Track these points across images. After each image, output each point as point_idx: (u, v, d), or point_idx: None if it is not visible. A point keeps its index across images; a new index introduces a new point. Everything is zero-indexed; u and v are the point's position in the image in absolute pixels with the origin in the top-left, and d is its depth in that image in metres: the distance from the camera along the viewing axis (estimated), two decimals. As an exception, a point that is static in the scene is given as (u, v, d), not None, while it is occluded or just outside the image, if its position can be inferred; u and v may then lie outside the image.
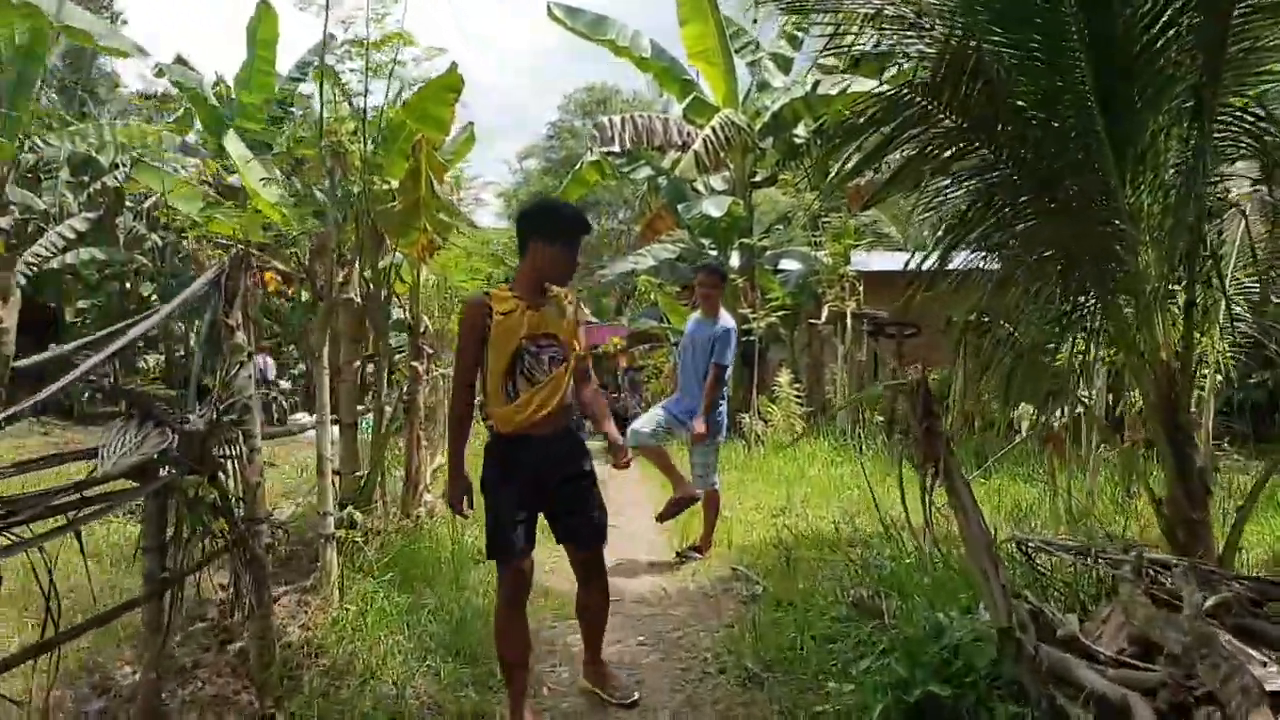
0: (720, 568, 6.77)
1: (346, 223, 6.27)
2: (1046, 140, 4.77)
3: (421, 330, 7.06)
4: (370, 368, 7.04)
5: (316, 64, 6.34)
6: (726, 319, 7.22)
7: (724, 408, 7.35)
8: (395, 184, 6.38)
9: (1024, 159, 4.75)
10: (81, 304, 25.00)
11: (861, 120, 4.92)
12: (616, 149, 15.23)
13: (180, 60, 23.82)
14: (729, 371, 7.24)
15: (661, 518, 6.86)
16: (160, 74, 21.80)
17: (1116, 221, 4.62)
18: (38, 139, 21.31)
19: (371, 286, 6.49)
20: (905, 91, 4.69)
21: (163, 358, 24.40)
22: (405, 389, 7.00)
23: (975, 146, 4.87)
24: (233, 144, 8.03)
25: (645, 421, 7.28)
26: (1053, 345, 5.56)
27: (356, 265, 6.19)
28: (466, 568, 6.15)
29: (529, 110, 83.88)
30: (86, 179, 22.99)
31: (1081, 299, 5.15)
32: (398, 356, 8.25)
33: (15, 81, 17.61)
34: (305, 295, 18.39)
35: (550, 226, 4.13)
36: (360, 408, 6.77)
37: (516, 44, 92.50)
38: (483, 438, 4.33)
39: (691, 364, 7.19)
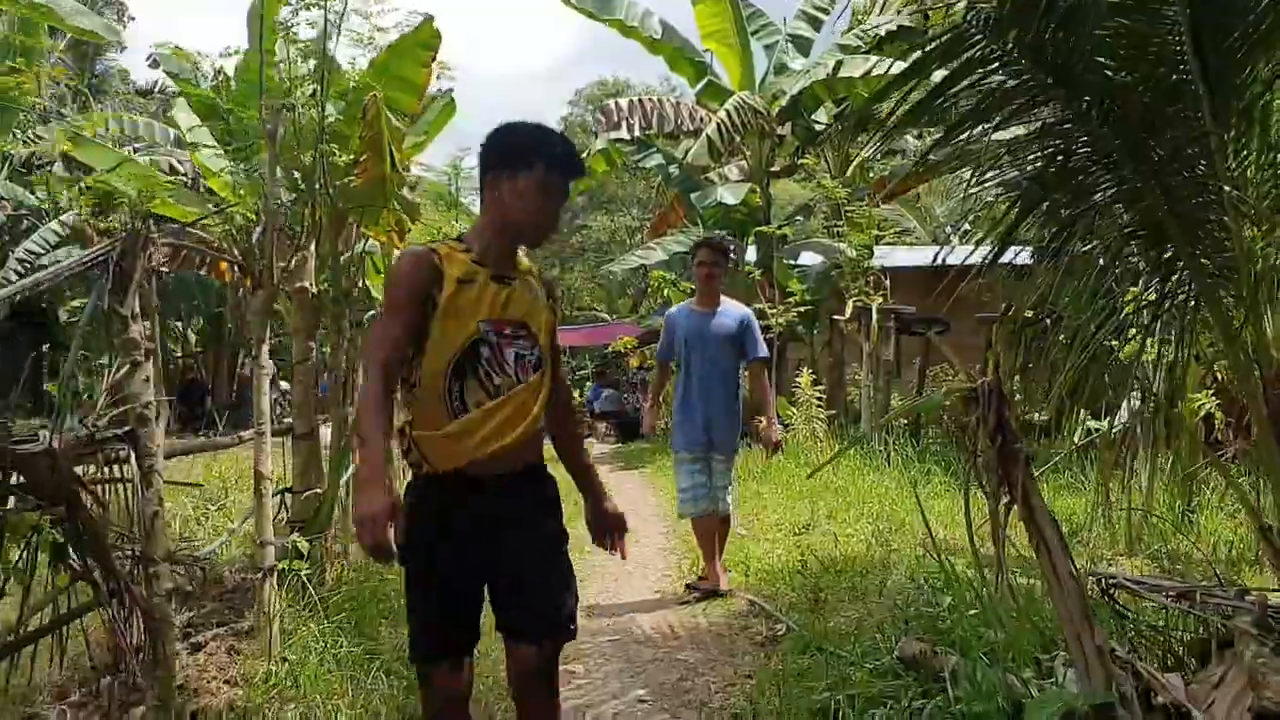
0: (736, 598, 5.86)
1: (298, 201, 5.38)
2: (1133, 91, 3.86)
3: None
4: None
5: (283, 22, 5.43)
6: (736, 305, 6.32)
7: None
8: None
9: (1106, 114, 3.83)
10: (76, 303, 24.24)
11: (909, 65, 4.01)
12: (625, 135, 14.35)
13: (178, 50, 23.03)
14: (741, 370, 6.36)
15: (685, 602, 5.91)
16: (154, 65, 21.03)
17: (1216, 189, 3.74)
18: (31, 133, 20.63)
19: (332, 274, 5.61)
20: (967, 26, 3.78)
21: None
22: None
23: (1047, 97, 3.97)
24: (182, 114, 7.15)
25: (687, 484, 6.06)
26: (1132, 340, 4.68)
27: (312, 249, 5.30)
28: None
29: (547, 117, 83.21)
30: (82, 174, 22.29)
31: (1171, 285, 4.26)
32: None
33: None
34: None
35: (523, 152, 2.68)
36: (322, 416, 5.89)
37: (533, 49, 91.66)
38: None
39: (705, 364, 6.06)
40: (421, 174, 17.10)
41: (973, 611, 3.91)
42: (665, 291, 15.20)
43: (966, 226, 22.14)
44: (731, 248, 6.54)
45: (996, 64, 3.85)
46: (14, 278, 21.80)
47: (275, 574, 4.45)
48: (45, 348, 23.96)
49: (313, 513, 5.22)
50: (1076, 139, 4.12)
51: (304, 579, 4.67)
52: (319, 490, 5.29)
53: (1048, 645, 3.82)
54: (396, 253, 6.23)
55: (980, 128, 4.22)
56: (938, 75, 4.11)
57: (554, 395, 2.88)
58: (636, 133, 14.26)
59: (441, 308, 2.60)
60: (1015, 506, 3.25)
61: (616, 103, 13.94)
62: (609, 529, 3.25)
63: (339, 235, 5.56)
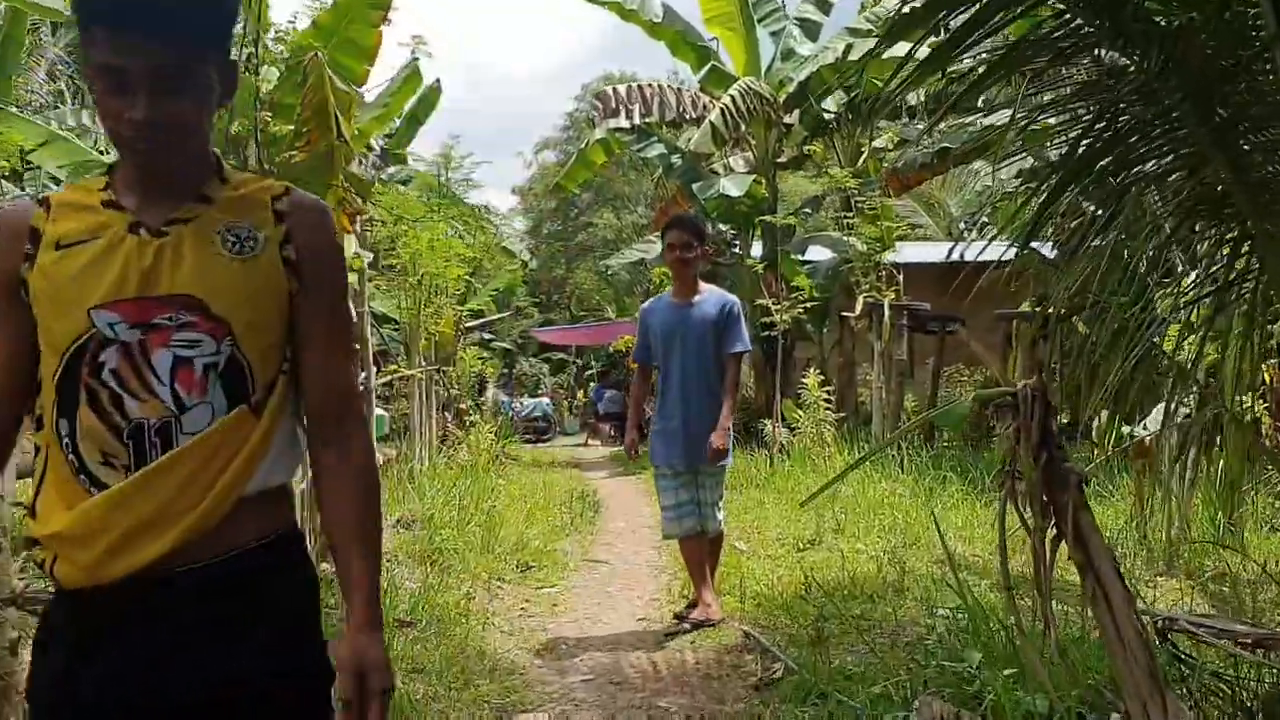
0: (729, 628, 5.17)
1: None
2: (1195, 36, 3.18)
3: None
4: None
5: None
6: (720, 293, 5.48)
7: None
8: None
9: (1164, 64, 3.15)
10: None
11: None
12: (624, 123, 13.66)
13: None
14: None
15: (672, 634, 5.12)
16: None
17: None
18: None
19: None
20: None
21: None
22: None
23: (1091, 44, 3.30)
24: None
25: (669, 502, 5.26)
26: (1191, 334, 4.04)
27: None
28: (389, 639, 4.59)
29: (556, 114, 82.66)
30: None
31: (1239, 269, 3.60)
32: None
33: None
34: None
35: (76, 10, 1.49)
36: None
37: (546, 50, 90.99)
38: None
39: (683, 363, 5.25)
40: (415, 166, 16.50)
41: (1008, 671, 3.21)
42: (667, 288, 14.54)
43: (985, 219, 21.43)
44: (701, 228, 5.61)
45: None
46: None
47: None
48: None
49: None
50: (1126, 95, 3.44)
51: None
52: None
53: (1098, 704, 3.16)
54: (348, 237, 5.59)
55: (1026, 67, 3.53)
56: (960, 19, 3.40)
57: (322, 440, 1.64)
58: (636, 120, 13.58)
59: (33, 294, 1.51)
60: (1063, 542, 2.60)
61: (615, 89, 13.27)
62: (354, 682, 1.51)
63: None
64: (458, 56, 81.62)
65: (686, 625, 5.13)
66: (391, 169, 18.28)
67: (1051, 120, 3.79)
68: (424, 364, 9.75)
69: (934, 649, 4.27)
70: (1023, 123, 3.61)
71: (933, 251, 18.33)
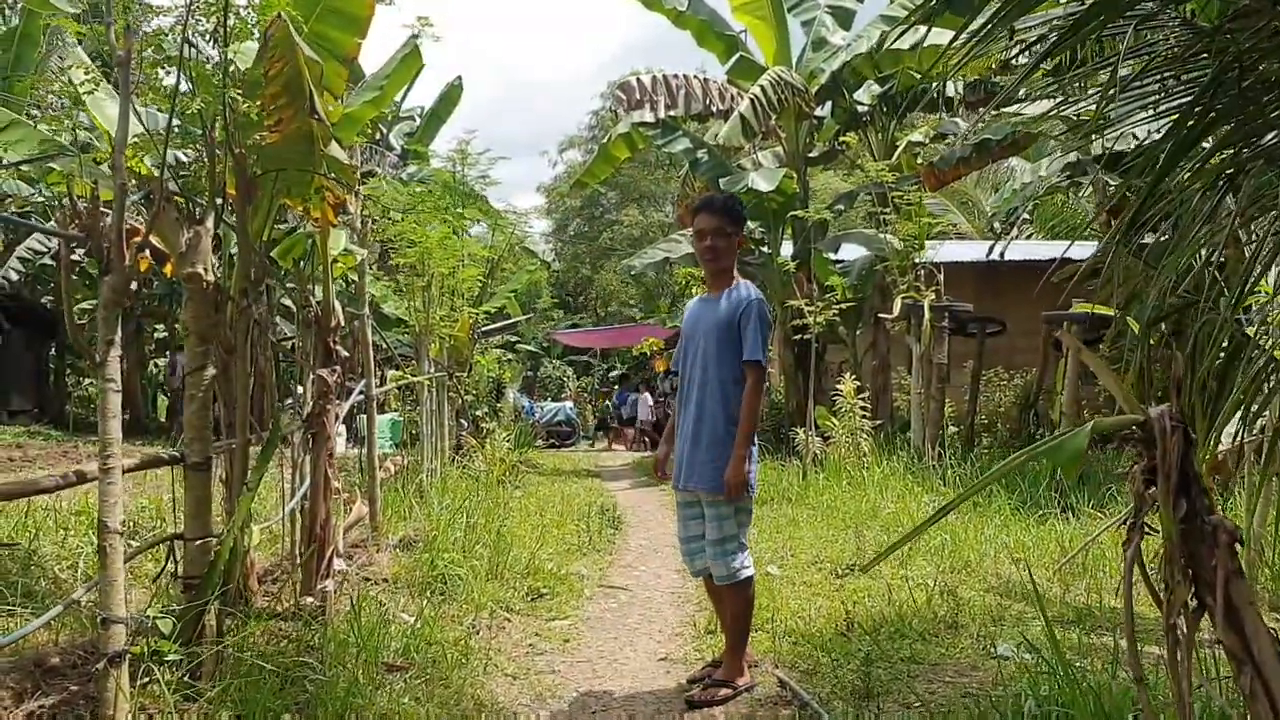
0: (762, 672, 4.55)
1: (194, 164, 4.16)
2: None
3: (333, 325, 4.94)
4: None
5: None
6: (747, 287, 4.45)
7: (754, 445, 4.42)
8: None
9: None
10: (86, 304, 23.30)
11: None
12: (648, 116, 13.05)
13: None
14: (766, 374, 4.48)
15: (694, 701, 4.16)
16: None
17: None
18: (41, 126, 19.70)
19: (237, 258, 4.38)
20: None
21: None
22: (308, 410, 4.89)
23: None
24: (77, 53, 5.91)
25: (681, 533, 4.54)
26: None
27: (209, 226, 4.07)
28: (375, 689, 3.99)
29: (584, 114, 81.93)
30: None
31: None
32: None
33: (10, 64, 16.26)
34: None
35: None
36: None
37: (583, 54, 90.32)
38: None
39: (694, 366, 4.43)
40: (436, 165, 15.96)
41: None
42: (694, 289, 13.91)
43: (1025, 216, 20.59)
44: (740, 211, 4.51)
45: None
46: (14, 277, 20.95)
47: (125, 663, 3.22)
48: (52, 350, 23.16)
49: (208, 569, 3.98)
50: (1251, 49, 2.80)
51: (179, 662, 3.44)
52: (215, 537, 4.06)
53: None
54: (333, 233, 5.02)
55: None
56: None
57: None
58: (661, 113, 12.96)
59: None
60: (1209, 616, 1.99)
61: (639, 79, 12.64)
62: None
63: (248, 206, 4.32)
64: (489, 59, 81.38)
65: (695, 692, 4.25)
66: (411, 169, 17.78)
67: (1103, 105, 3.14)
68: (433, 368, 9.18)
69: (1001, 703, 3.64)
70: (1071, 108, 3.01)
71: (969, 250, 17.64)
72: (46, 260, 20.78)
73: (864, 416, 10.11)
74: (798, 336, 12.04)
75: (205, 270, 4.04)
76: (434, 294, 8.83)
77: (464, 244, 9.11)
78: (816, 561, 6.65)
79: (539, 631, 5.34)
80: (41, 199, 21.20)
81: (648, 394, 22.38)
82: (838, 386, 10.78)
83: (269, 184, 4.38)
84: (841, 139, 13.88)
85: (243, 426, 4.28)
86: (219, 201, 4.28)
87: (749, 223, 14.35)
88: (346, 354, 5.02)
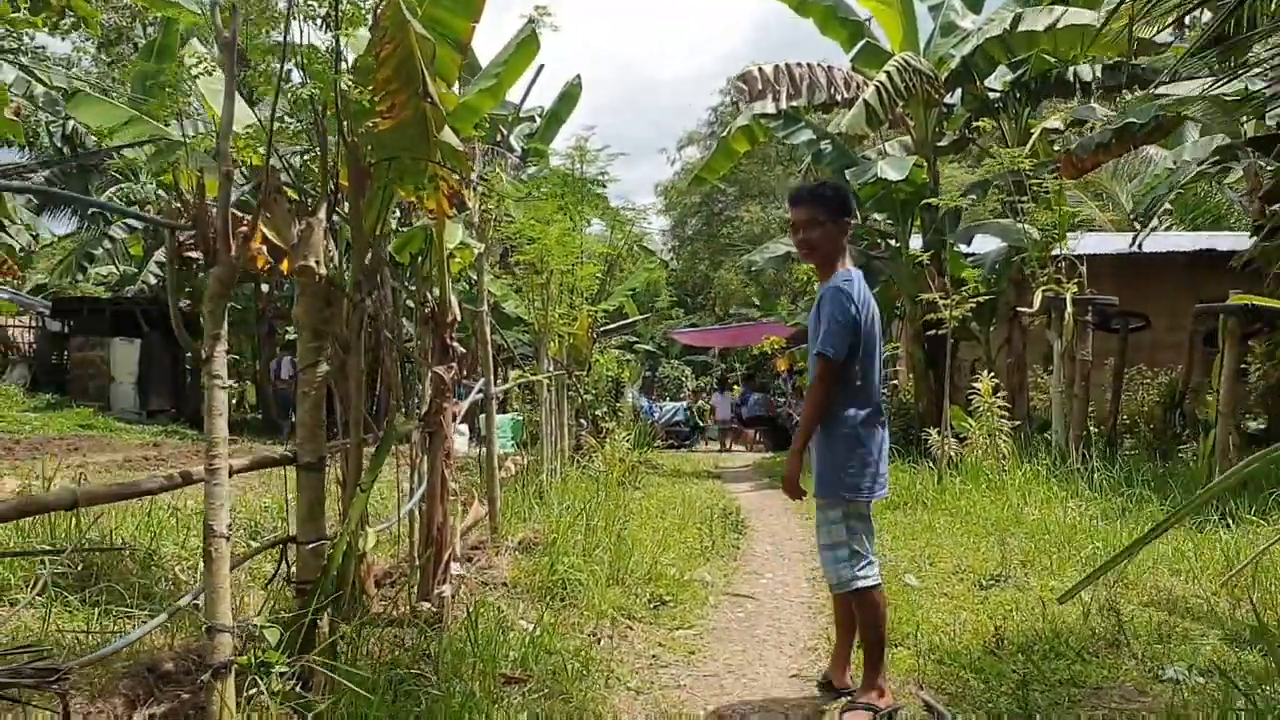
0: (906, 693, 4.19)
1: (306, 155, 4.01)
2: None
3: (450, 321, 4.76)
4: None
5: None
6: (841, 275, 4.04)
7: (880, 436, 4.09)
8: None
9: None
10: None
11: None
12: (770, 108, 12.67)
13: None
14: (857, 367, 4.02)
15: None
16: None
17: None
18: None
19: (351, 250, 4.22)
20: None
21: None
22: (425, 409, 4.72)
23: None
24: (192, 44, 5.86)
25: (869, 548, 4.05)
26: None
27: (321, 217, 3.91)
28: (492, 704, 3.77)
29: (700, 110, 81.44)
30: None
31: None
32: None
33: (152, 74, 16.86)
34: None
35: None
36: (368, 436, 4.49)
37: (699, 50, 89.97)
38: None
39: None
40: (555, 163, 15.87)
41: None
42: (814, 286, 13.48)
43: (1168, 205, 19.43)
44: (847, 199, 4.16)
45: None
46: (153, 280, 21.71)
47: (231, 677, 3.07)
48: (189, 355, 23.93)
49: (322, 574, 3.82)
50: None
51: (295, 674, 3.28)
52: (328, 539, 3.90)
53: None
54: (448, 225, 4.83)
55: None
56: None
57: None
58: (783, 104, 12.56)
59: None
60: None
61: (760, 69, 12.25)
62: None
63: (361, 196, 4.16)
64: (611, 59, 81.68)
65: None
66: (532, 169, 17.74)
67: None
68: (552, 368, 9.01)
69: None
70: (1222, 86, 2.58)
71: (1106, 242, 16.73)
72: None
73: (1002, 417, 9.56)
74: (930, 332, 11.52)
75: (318, 263, 3.88)
76: (553, 292, 8.66)
77: (582, 240, 8.91)
78: (958, 571, 6.22)
79: (662, 642, 5.07)
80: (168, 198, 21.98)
81: (728, 392, 22.28)
82: (974, 385, 10.23)
83: (382, 174, 4.22)
84: (974, 126, 13.28)
85: (357, 425, 4.12)
86: (332, 193, 4.14)
87: (876, 214, 13.92)
88: (464, 351, 4.83)
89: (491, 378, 6.65)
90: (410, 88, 3.85)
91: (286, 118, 4.08)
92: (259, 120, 4.09)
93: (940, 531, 7.35)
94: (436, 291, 4.82)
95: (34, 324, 23.68)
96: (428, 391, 4.76)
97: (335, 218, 4.18)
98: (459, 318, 4.80)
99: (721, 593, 6.19)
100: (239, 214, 5.52)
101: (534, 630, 4.60)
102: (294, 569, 3.93)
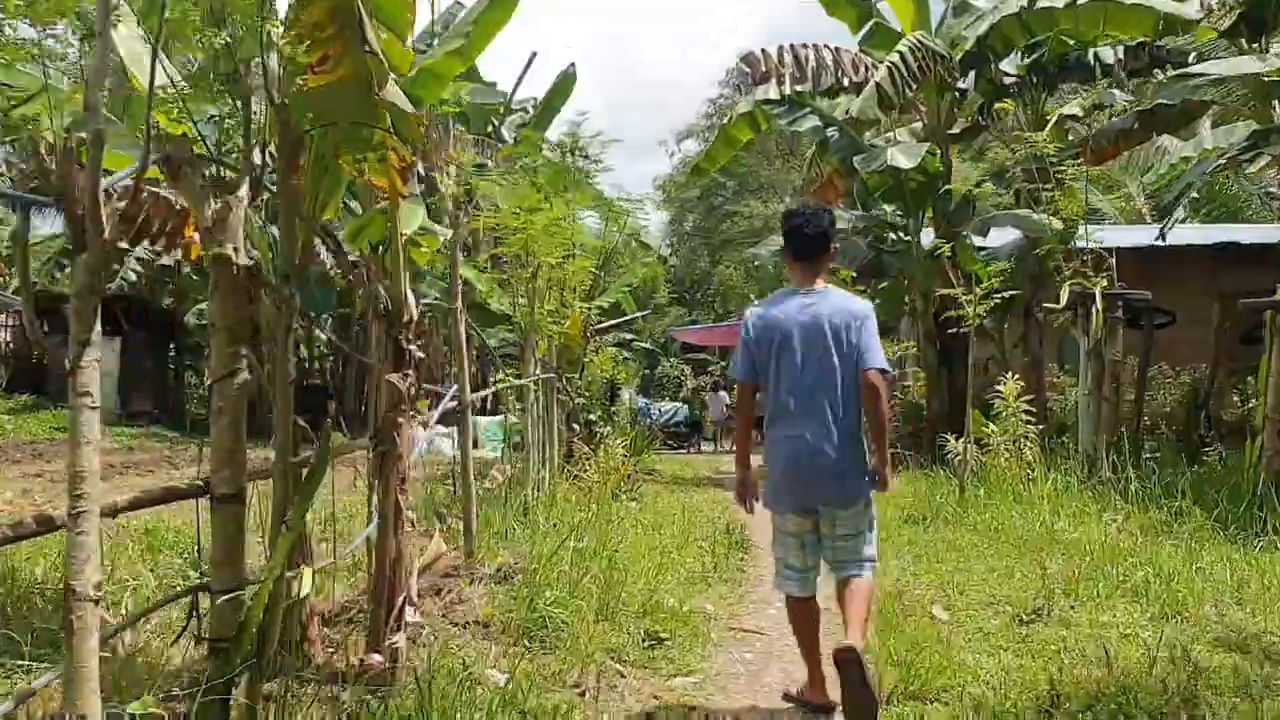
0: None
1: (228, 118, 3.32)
2: None
3: (406, 321, 4.04)
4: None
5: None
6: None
7: (782, 451, 4.12)
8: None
9: None
10: (203, 304, 23.22)
11: None
12: (773, 93, 11.96)
13: None
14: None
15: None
16: None
17: None
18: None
19: (278, 236, 3.51)
20: None
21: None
22: (375, 425, 4.00)
23: None
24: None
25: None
26: None
27: (243, 194, 3.20)
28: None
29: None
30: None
31: None
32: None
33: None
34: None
35: None
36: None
37: (708, 49, 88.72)
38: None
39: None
40: (548, 155, 15.14)
41: None
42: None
43: (1195, 194, 18.67)
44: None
45: None
46: (133, 278, 20.97)
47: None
48: (172, 350, 23.21)
49: (238, 630, 3.11)
50: None
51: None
52: (251, 586, 3.18)
53: None
54: (405, 207, 4.12)
55: None
56: None
57: None
58: (787, 89, 11.85)
59: None
60: None
61: (764, 50, 11.53)
62: None
63: (294, 171, 3.45)
64: (615, 59, 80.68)
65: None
66: (524, 161, 17.02)
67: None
68: (539, 370, 8.27)
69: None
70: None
71: (1123, 235, 15.98)
72: (166, 260, 20.62)
73: (1029, 422, 8.85)
74: (951, 331, 10.84)
75: (235, 251, 3.16)
76: (540, 286, 7.92)
77: (574, 230, 8.18)
78: (992, 602, 5.50)
79: (658, 692, 4.36)
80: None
81: (724, 393, 21.69)
82: (996, 387, 9.53)
83: (320, 143, 3.50)
84: (988, 112, 12.57)
85: (285, 448, 3.41)
86: (259, 166, 3.43)
87: (885, 205, 13.16)
88: (423, 355, 4.11)
89: (467, 382, 5.94)
90: (346, 35, 3.14)
91: (200, 69, 3.37)
92: (169, 74, 3.37)
93: (967, 552, 6.63)
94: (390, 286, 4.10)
95: (9, 323, 22.93)
96: (381, 403, 4.05)
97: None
98: (415, 316, 4.08)
99: (725, 627, 5.47)
100: (158, 191, 4.78)
101: (506, 683, 3.89)
102: (207, 624, 3.22)
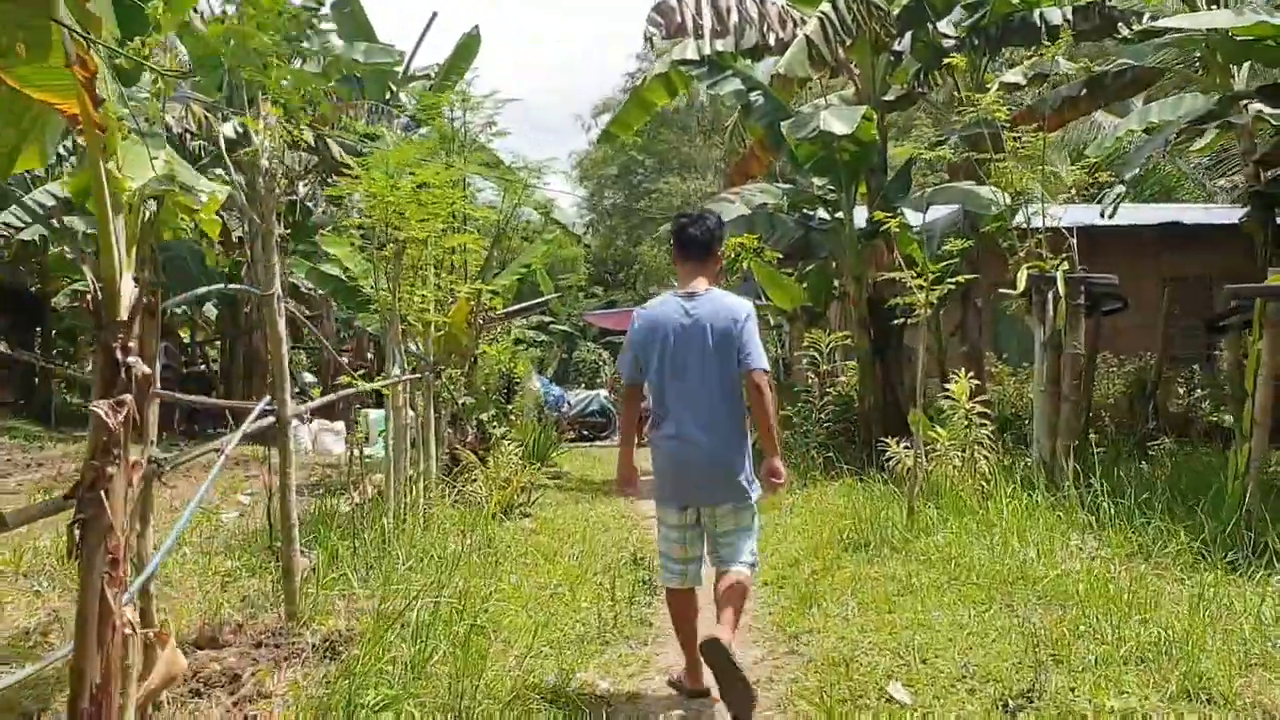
0: None
1: None
2: None
3: (119, 320, 2.64)
4: None
5: None
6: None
7: (665, 449, 4.30)
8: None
9: None
10: (78, 286, 21.16)
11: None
12: (691, 52, 10.63)
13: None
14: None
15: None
16: None
17: None
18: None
19: None
20: None
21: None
22: (94, 451, 2.60)
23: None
24: None
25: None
26: None
27: None
28: None
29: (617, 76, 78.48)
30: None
31: None
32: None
33: None
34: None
35: None
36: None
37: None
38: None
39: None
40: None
41: None
42: (745, 262, 11.47)
43: (1138, 170, 17.86)
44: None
45: None
46: (-7, 257, 18.91)
47: None
48: (38, 338, 21.20)
49: None
50: None
51: None
52: None
53: None
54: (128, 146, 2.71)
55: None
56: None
57: None
58: (707, 48, 10.53)
59: None
60: None
61: (680, 2, 10.17)
62: None
63: None
64: (538, 43, 78.51)
65: None
66: (423, 130, 15.50)
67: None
68: (403, 370, 6.84)
69: None
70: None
71: (1066, 214, 14.99)
72: (27, 236, 18.49)
73: (982, 426, 7.69)
74: (889, 320, 9.67)
75: None
76: (405, 267, 6.49)
77: (453, 197, 6.74)
78: (964, 675, 4.25)
79: None
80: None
81: None
82: (946, 386, 8.36)
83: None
84: (926, 77, 11.41)
85: None
86: None
87: (816, 179, 11.92)
88: (147, 371, 2.71)
89: (287, 393, 4.53)
90: None
91: None
92: None
93: (924, 594, 5.37)
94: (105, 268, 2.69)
95: None
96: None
97: None
98: (140, 311, 2.68)
99: (622, 708, 4.17)
100: None
101: None
102: None
